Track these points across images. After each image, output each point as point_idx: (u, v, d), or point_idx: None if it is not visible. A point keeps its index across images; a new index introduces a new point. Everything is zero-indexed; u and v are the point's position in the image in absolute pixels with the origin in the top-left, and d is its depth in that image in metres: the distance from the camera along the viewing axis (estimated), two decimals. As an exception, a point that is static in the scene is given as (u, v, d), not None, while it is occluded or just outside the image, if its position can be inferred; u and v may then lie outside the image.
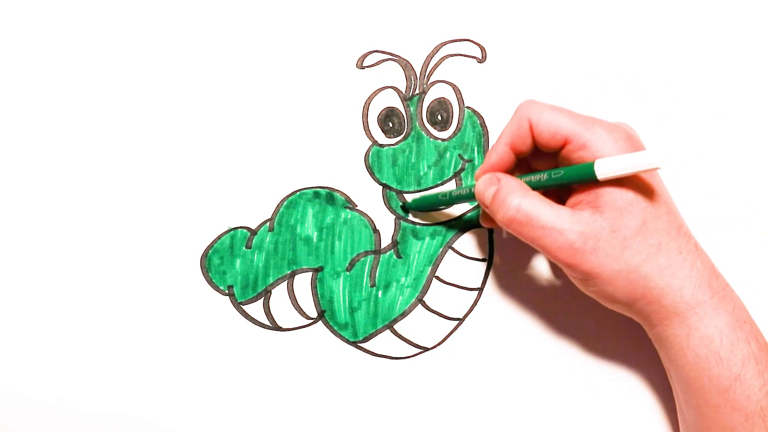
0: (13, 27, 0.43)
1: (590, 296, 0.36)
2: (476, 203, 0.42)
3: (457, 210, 0.42)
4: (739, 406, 0.33)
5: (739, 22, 0.43)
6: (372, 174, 0.42)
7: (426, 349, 0.42)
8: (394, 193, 0.42)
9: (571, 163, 0.35)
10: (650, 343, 0.38)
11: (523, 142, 0.36)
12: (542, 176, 0.35)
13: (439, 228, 0.42)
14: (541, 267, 0.42)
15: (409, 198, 0.42)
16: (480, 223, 0.40)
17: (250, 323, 0.41)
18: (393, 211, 0.42)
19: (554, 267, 0.42)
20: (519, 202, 0.34)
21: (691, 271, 0.34)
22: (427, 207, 0.41)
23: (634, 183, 0.34)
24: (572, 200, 0.35)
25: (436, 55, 0.43)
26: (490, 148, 0.37)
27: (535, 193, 0.35)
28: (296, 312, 0.41)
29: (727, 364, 0.33)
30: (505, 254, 0.42)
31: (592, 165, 0.33)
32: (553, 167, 0.36)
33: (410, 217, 0.42)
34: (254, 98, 0.43)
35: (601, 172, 0.33)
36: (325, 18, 0.43)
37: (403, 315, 0.42)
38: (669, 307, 0.34)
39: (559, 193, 0.37)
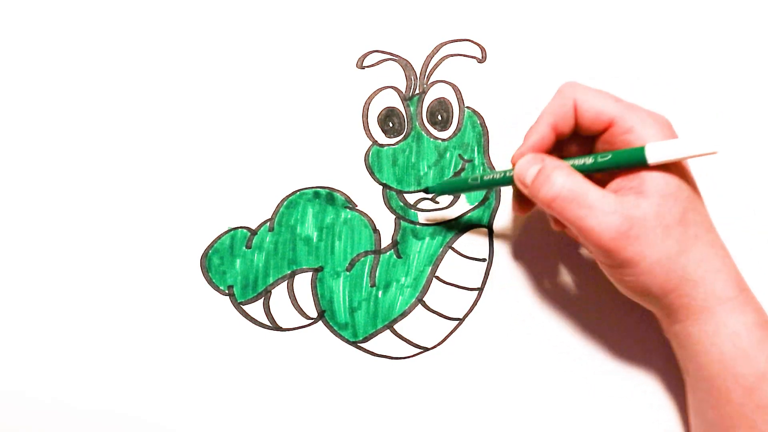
0: (13, 27, 0.43)
1: (619, 286, 0.35)
2: (480, 199, 0.42)
3: (457, 210, 0.42)
4: (764, 404, 0.33)
5: (739, 22, 0.43)
6: (372, 174, 0.42)
7: (426, 349, 0.42)
8: (394, 193, 0.42)
9: (613, 147, 0.34)
10: (652, 342, 0.38)
11: (566, 123, 0.35)
12: (587, 159, 0.34)
13: (439, 228, 0.42)
14: (541, 267, 0.42)
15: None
16: (484, 221, 0.40)
17: (250, 323, 0.41)
18: (393, 211, 0.42)
19: (554, 267, 0.42)
20: (564, 180, 0.33)
21: (722, 266, 0.33)
22: (453, 190, 0.41)
23: (679, 171, 0.33)
24: (613, 185, 0.34)
25: (436, 55, 0.43)
26: (529, 130, 0.36)
27: (580, 174, 0.34)
28: (296, 312, 0.41)
29: (753, 362, 0.33)
30: (505, 254, 0.42)
31: (642, 149, 0.32)
32: (586, 153, 0.35)
33: (423, 206, 0.42)
34: (254, 98, 0.43)
35: (654, 156, 0.32)
36: (325, 18, 0.43)
37: (403, 315, 0.42)
38: (700, 300, 0.33)
39: (597, 180, 0.36)
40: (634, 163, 0.33)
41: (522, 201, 0.38)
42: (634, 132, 0.33)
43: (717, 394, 0.34)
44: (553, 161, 0.34)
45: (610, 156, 0.34)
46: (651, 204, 0.32)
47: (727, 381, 0.33)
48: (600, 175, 0.36)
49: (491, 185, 0.38)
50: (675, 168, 0.33)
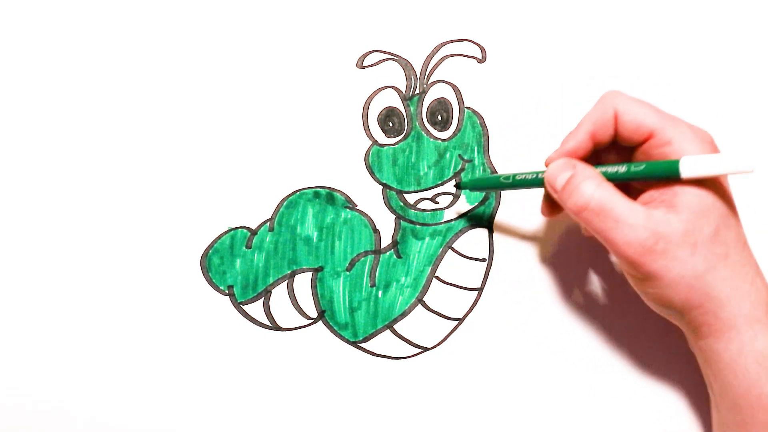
0: (13, 27, 0.43)
1: (644, 297, 0.35)
2: (480, 199, 0.42)
3: (457, 210, 0.42)
4: None
5: (739, 22, 0.43)
6: (372, 174, 0.42)
7: (426, 349, 0.42)
8: (394, 193, 0.42)
9: (651, 158, 0.34)
10: (655, 343, 0.38)
11: (606, 131, 0.35)
12: (620, 168, 0.34)
13: (439, 228, 0.42)
14: (541, 267, 0.42)
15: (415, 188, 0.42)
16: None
17: (250, 323, 0.41)
18: (393, 211, 0.42)
19: (554, 267, 0.42)
20: (593, 191, 0.33)
21: (751, 287, 0.33)
22: (485, 187, 0.41)
23: (714, 187, 0.33)
24: (645, 197, 0.34)
25: (436, 55, 0.43)
26: (567, 135, 0.36)
27: (610, 184, 0.33)
28: (296, 312, 0.41)
29: None
30: (505, 254, 0.42)
31: (677, 162, 0.32)
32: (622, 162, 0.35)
33: (459, 197, 0.42)
34: (254, 98, 0.43)
35: (688, 170, 0.32)
36: (325, 18, 0.43)
37: (403, 315, 0.42)
38: (725, 319, 0.33)
39: (629, 190, 0.36)
40: (668, 175, 0.32)
41: (551, 204, 0.38)
42: (672, 145, 0.33)
43: (741, 412, 0.33)
44: (584, 169, 0.34)
45: (643, 166, 0.33)
46: (681, 220, 0.32)
47: (751, 400, 0.33)
48: (631, 187, 0.35)
49: (522, 185, 0.37)
50: (711, 183, 0.32)
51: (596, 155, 0.37)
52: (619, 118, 0.34)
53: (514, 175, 0.38)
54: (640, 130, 0.34)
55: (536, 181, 0.36)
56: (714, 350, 0.34)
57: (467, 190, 0.42)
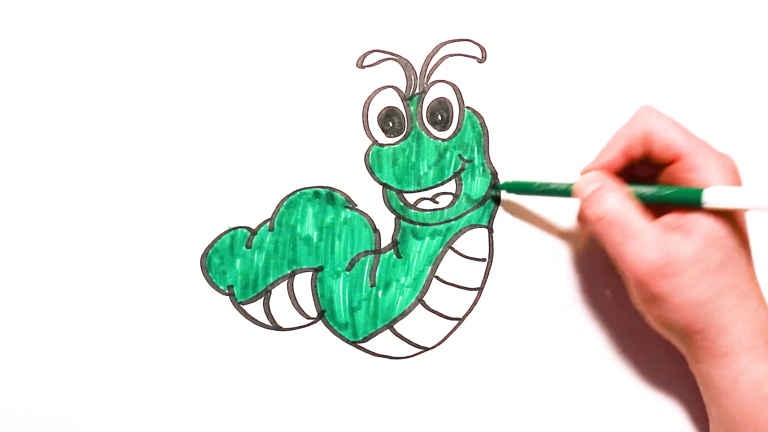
0: (13, 27, 0.43)
1: (645, 317, 0.36)
2: (480, 199, 0.42)
3: (457, 210, 0.42)
4: None
5: (739, 22, 0.43)
6: (372, 173, 0.42)
7: (426, 349, 0.42)
8: (394, 193, 0.42)
9: (674, 181, 0.35)
10: (656, 343, 0.38)
11: (637, 149, 0.36)
12: (648, 189, 0.35)
13: (439, 228, 0.42)
14: (541, 267, 0.42)
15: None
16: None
17: (250, 323, 0.41)
18: (393, 211, 0.42)
19: (554, 267, 0.42)
20: (614, 203, 0.34)
21: (753, 315, 0.33)
22: (519, 191, 0.41)
23: (731, 218, 0.34)
24: (666, 219, 0.35)
25: (436, 55, 0.43)
26: (603, 148, 0.38)
27: (633, 203, 0.34)
28: (296, 312, 0.41)
29: None
30: (505, 254, 0.42)
31: (700, 192, 0.33)
32: (650, 176, 0.37)
33: (500, 196, 0.42)
34: (254, 98, 0.43)
35: (711, 200, 0.33)
36: (325, 18, 0.43)
37: (403, 315, 0.42)
38: (723, 346, 0.33)
39: (653, 210, 0.36)
40: (691, 202, 0.33)
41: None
42: (696, 172, 0.34)
43: None
44: (611, 184, 0.35)
45: (670, 191, 0.34)
46: (693, 246, 0.33)
47: (747, 426, 0.33)
48: (655, 207, 0.36)
49: (554, 194, 0.39)
50: (729, 215, 0.33)
51: (630, 166, 0.38)
52: (651, 138, 0.35)
53: (549, 185, 0.39)
54: (669, 152, 0.35)
55: (566, 191, 0.38)
56: (710, 375, 0.35)
57: (484, 192, 0.42)
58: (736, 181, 0.34)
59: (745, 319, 0.33)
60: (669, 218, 0.35)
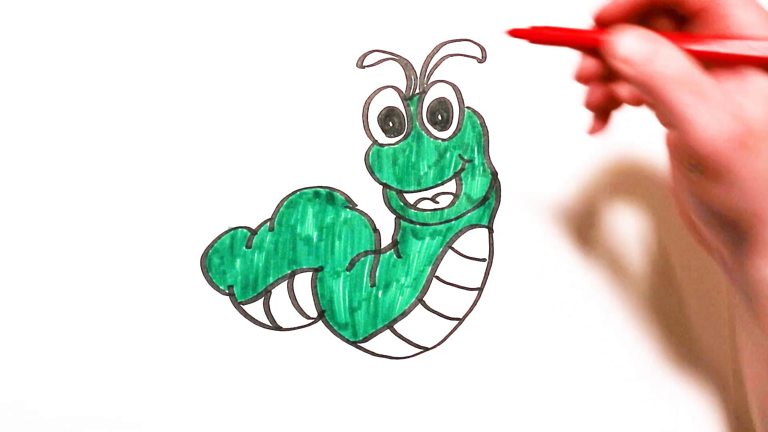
0: (13, 27, 0.43)
1: (695, 203, 0.30)
2: (480, 199, 0.42)
3: (457, 210, 0.42)
4: None
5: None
6: (372, 173, 0.42)
7: (426, 349, 0.42)
8: (394, 193, 0.42)
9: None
10: (658, 343, 0.38)
11: None
12: (700, 45, 0.28)
13: (439, 228, 0.42)
14: (541, 267, 0.42)
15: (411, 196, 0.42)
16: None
17: (250, 323, 0.41)
18: (393, 211, 0.42)
19: (555, 267, 0.42)
20: (681, 60, 0.27)
21: None
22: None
23: None
24: (731, 83, 0.28)
25: (436, 55, 0.43)
26: None
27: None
28: (296, 312, 0.41)
29: None
30: (505, 254, 0.42)
31: (746, 43, 0.27)
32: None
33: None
34: (254, 98, 0.43)
35: (761, 48, 0.27)
36: (325, 18, 0.43)
37: (403, 315, 0.42)
38: None
39: None
40: (737, 59, 0.27)
41: (602, 107, 0.32)
42: (730, 19, 0.28)
43: None
44: (665, 40, 0.28)
45: (716, 46, 0.28)
46: (764, 110, 0.27)
47: None
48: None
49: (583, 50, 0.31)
50: None
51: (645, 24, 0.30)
52: None
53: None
54: None
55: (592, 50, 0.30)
56: (763, 275, 0.29)
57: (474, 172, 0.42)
58: None
59: None
60: (734, 83, 0.28)
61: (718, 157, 0.27)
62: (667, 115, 0.28)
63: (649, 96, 0.28)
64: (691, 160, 0.28)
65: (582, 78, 0.32)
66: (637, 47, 0.28)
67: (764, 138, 0.27)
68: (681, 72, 0.27)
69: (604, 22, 0.30)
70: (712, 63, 0.28)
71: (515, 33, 0.32)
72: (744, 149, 0.27)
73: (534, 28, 0.32)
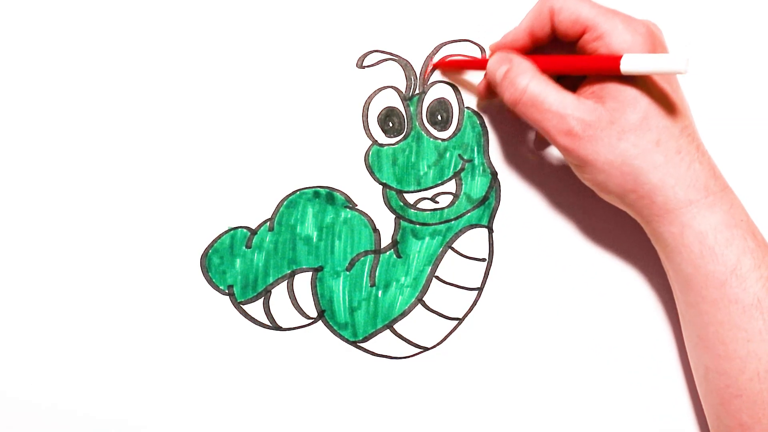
0: (13, 27, 0.43)
1: (585, 183, 0.37)
2: (480, 199, 0.42)
3: (457, 210, 0.42)
4: (736, 299, 0.34)
5: (739, 21, 0.43)
6: (372, 173, 0.42)
7: (426, 349, 0.42)
8: (394, 193, 0.42)
9: (586, 53, 0.36)
10: (658, 342, 0.38)
11: (543, 27, 0.37)
12: (558, 62, 0.36)
13: (439, 228, 0.42)
14: (541, 267, 0.42)
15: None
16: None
17: (250, 323, 0.41)
18: (393, 211, 0.42)
19: (554, 267, 0.42)
20: (527, 84, 0.35)
21: (687, 171, 0.34)
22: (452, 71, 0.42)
23: (643, 80, 0.34)
24: (582, 89, 0.36)
25: (436, 55, 0.43)
26: (507, 32, 0.39)
27: (545, 77, 0.36)
28: (296, 312, 0.41)
29: (722, 259, 0.34)
30: (505, 254, 0.42)
31: (618, 59, 0.33)
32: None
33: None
34: (254, 98, 0.43)
35: (626, 66, 0.33)
36: (325, 18, 0.43)
37: (403, 315, 0.42)
38: (661, 204, 0.35)
39: (574, 81, 0.37)
40: (602, 70, 0.34)
41: (488, 87, 0.40)
42: (603, 39, 0.34)
43: (693, 292, 0.35)
44: (520, 62, 0.36)
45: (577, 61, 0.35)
46: (607, 109, 0.34)
47: (699, 279, 0.35)
48: (575, 79, 0.37)
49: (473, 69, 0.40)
50: (640, 78, 0.34)
51: (541, 51, 0.38)
52: (556, 15, 0.36)
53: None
54: (576, 26, 0.35)
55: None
56: (659, 233, 0.36)
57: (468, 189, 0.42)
58: (653, 44, 0.34)
59: (677, 175, 0.34)
60: (585, 88, 0.35)
61: (569, 150, 0.35)
62: (532, 125, 0.36)
63: (513, 107, 0.36)
64: (564, 156, 0.36)
65: (483, 89, 0.41)
66: (494, 64, 0.37)
67: (603, 130, 0.34)
68: (528, 98, 0.35)
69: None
70: (564, 74, 0.37)
71: (436, 66, 0.42)
72: (585, 141, 0.34)
73: (441, 60, 0.42)
